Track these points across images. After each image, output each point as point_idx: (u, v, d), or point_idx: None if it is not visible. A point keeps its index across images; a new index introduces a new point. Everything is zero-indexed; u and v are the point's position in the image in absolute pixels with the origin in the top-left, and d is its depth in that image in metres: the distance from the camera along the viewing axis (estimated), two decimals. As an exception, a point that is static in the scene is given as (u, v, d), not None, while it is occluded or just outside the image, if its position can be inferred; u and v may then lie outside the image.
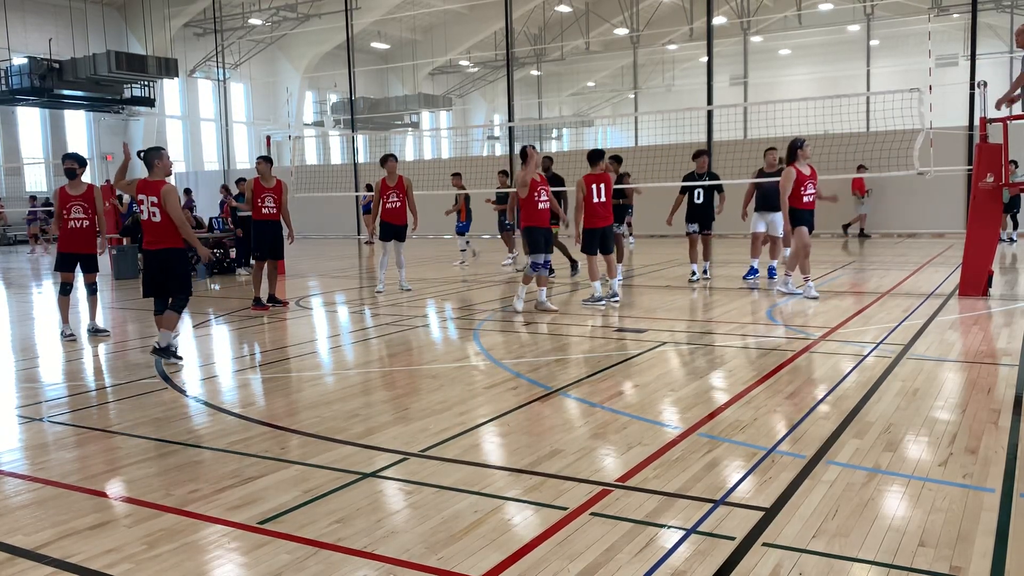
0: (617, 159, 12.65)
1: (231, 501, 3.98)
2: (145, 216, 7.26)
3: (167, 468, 4.52)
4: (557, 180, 13.28)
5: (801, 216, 10.28)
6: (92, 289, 9.23)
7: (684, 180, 12.22)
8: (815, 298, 10.11)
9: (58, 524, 3.77)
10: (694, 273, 12.30)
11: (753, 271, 12.29)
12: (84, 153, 33.25)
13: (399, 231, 11.97)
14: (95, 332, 9.14)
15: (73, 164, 9.07)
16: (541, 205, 9.82)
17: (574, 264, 13.34)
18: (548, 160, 13.47)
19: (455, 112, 48.21)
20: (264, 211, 10.82)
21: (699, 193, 12.03)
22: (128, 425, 5.42)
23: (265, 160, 11.11)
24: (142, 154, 7.34)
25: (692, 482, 4.03)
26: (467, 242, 16.67)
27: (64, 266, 9.05)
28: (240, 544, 3.51)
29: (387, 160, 11.93)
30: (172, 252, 7.30)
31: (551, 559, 3.25)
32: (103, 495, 4.17)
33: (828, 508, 3.67)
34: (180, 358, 7.46)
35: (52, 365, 7.83)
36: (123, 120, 34.56)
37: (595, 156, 10.19)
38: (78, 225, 8.95)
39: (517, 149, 30.45)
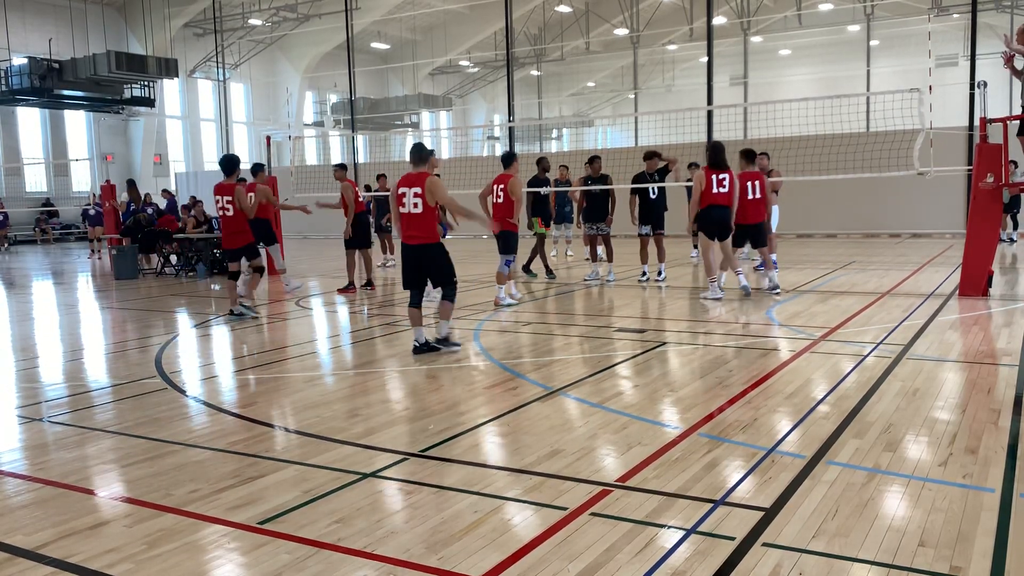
0: (596, 159, 12.94)
1: (231, 501, 3.98)
2: (407, 209, 7.26)
3: (167, 468, 4.51)
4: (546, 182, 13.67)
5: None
6: (234, 276, 10.12)
7: (634, 181, 12.37)
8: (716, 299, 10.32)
9: (58, 524, 3.77)
10: (644, 274, 12.46)
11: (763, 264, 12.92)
12: (84, 153, 33.36)
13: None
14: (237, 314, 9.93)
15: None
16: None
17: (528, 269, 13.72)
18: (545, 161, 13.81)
19: (455, 112, 48.17)
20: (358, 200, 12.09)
21: (654, 190, 12.19)
22: (128, 425, 5.42)
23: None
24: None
25: (692, 482, 4.03)
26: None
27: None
28: (240, 544, 3.51)
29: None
30: (432, 248, 7.32)
31: (551, 559, 3.25)
32: (103, 495, 4.17)
33: (828, 508, 3.67)
34: (457, 345, 7.58)
35: (52, 365, 7.83)
36: (123, 120, 34.56)
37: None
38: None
39: (518, 149, 30.26)
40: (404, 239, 7.40)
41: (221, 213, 9.94)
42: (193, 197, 21.98)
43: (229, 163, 9.92)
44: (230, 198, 9.78)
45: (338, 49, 35.16)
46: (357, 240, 12.48)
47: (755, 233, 10.77)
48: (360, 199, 12.41)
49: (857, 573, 3.09)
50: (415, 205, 7.19)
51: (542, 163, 13.63)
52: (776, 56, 43.35)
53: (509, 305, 10.44)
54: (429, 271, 7.42)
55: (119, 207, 19.66)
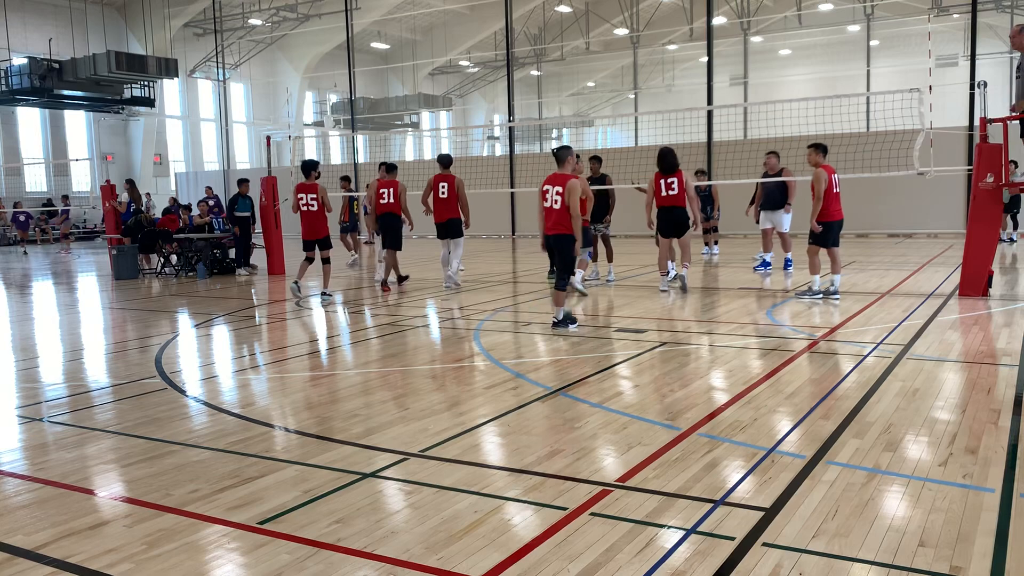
0: (597, 159, 12.93)
1: (231, 501, 3.98)
2: (548, 204, 8.44)
3: (167, 468, 4.51)
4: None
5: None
6: (325, 260, 11.50)
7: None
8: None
9: (58, 524, 3.77)
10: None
11: (764, 263, 13.37)
12: (84, 153, 33.33)
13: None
14: (324, 295, 11.42)
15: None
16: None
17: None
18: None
19: (455, 112, 48.20)
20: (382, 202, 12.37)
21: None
22: (128, 425, 5.42)
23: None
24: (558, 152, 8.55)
25: (692, 482, 4.03)
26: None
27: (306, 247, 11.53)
28: (240, 544, 3.51)
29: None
30: (564, 238, 8.39)
31: (551, 559, 3.25)
32: (103, 495, 4.17)
33: (828, 508, 3.67)
34: (574, 321, 8.59)
35: (52, 365, 7.84)
36: (123, 120, 34.56)
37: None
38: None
39: (518, 149, 30.19)
40: (545, 229, 8.58)
41: (305, 208, 11.44)
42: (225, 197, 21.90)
43: (309, 166, 11.60)
44: (314, 196, 11.44)
45: (338, 49, 35.18)
46: (392, 240, 12.52)
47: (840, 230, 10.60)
48: (383, 200, 12.30)
49: (857, 573, 3.09)
50: (556, 202, 8.35)
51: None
52: (776, 56, 43.37)
53: (580, 292, 11.05)
54: (556, 257, 8.62)
55: (119, 207, 19.65)
